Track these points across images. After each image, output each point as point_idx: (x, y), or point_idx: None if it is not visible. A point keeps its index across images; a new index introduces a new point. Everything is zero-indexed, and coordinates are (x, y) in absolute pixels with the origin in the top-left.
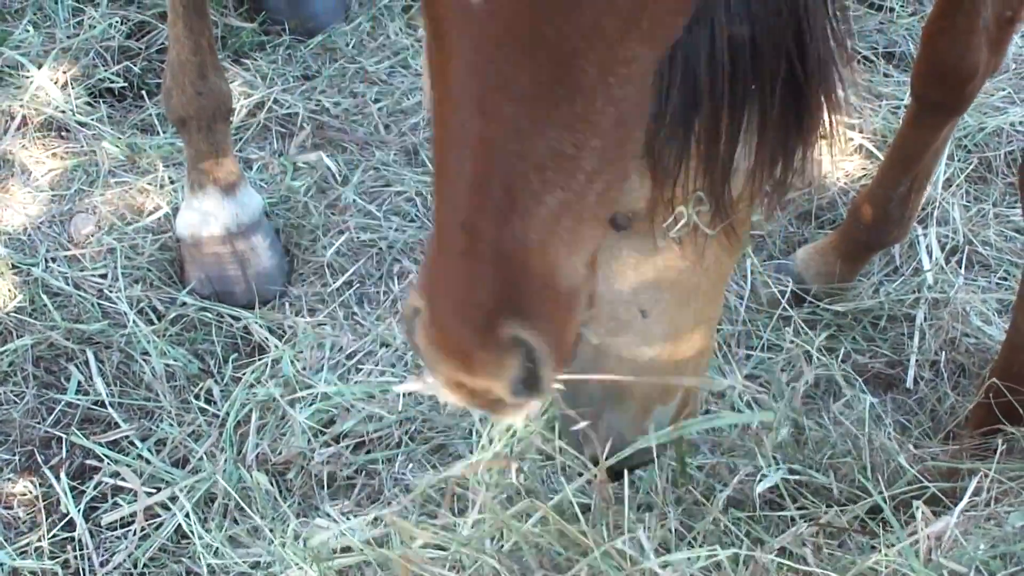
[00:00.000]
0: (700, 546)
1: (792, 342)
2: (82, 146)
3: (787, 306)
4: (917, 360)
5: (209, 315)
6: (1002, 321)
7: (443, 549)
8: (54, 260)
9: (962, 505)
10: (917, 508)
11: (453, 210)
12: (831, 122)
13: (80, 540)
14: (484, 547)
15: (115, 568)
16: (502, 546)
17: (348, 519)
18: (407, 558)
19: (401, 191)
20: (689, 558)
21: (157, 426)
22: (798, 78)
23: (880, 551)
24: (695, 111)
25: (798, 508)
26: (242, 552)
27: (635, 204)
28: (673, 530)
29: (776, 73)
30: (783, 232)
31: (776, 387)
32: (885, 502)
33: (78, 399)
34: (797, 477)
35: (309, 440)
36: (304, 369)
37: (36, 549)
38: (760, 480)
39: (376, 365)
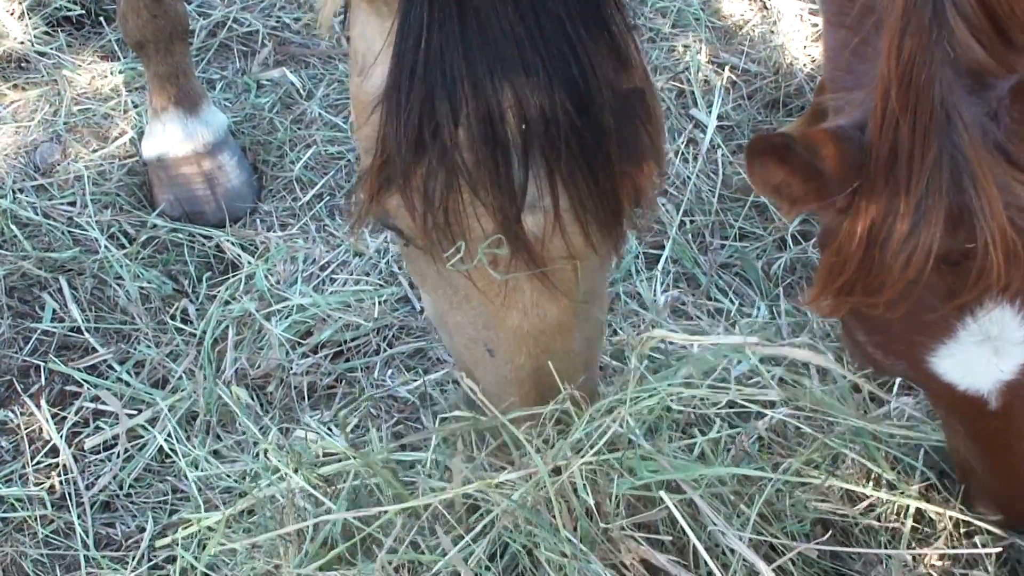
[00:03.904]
0: (682, 429)
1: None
2: (43, 76)
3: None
4: None
5: (180, 236)
6: None
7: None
8: (21, 191)
9: None
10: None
11: None
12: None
13: (64, 465)
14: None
15: (101, 491)
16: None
17: (330, 428)
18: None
19: None
20: (671, 440)
21: (135, 348)
22: (579, 127)
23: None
24: (442, 142)
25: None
26: (227, 465)
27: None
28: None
29: (551, 118)
30: (751, 121)
31: (752, 274)
32: (867, 381)
33: (54, 327)
34: (772, 368)
35: (287, 352)
36: (278, 283)
37: (21, 476)
38: (738, 364)
39: (350, 275)
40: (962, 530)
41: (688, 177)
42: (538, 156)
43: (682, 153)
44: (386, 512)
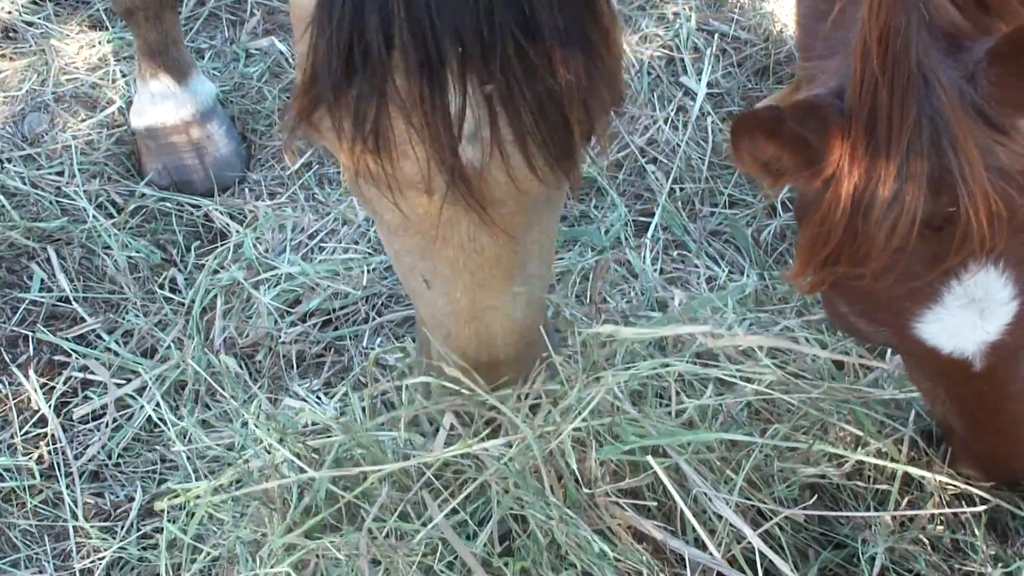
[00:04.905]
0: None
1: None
2: (31, 46)
3: None
4: None
5: (169, 205)
6: None
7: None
8: (9, 160)
9: None
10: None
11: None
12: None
13: (53, 435)
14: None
15: (89, 460)
16: None
17: (319, 397)
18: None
19: None
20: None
21: (123, 318)
22: (523, 52)
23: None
24: (373, 63)
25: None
26: (215, 436)
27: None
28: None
29: (489, 42)
30: (742, 89)
31: (742, 241)
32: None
33: (42, 296)
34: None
35: (276, 321)
36: (267, 252)
37: (9, 447)
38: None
39: (339, 243)
40: (951, 492)
41: (678, 145)
42: (476, 82)
43: (672, 121)
44: (367, 477)
